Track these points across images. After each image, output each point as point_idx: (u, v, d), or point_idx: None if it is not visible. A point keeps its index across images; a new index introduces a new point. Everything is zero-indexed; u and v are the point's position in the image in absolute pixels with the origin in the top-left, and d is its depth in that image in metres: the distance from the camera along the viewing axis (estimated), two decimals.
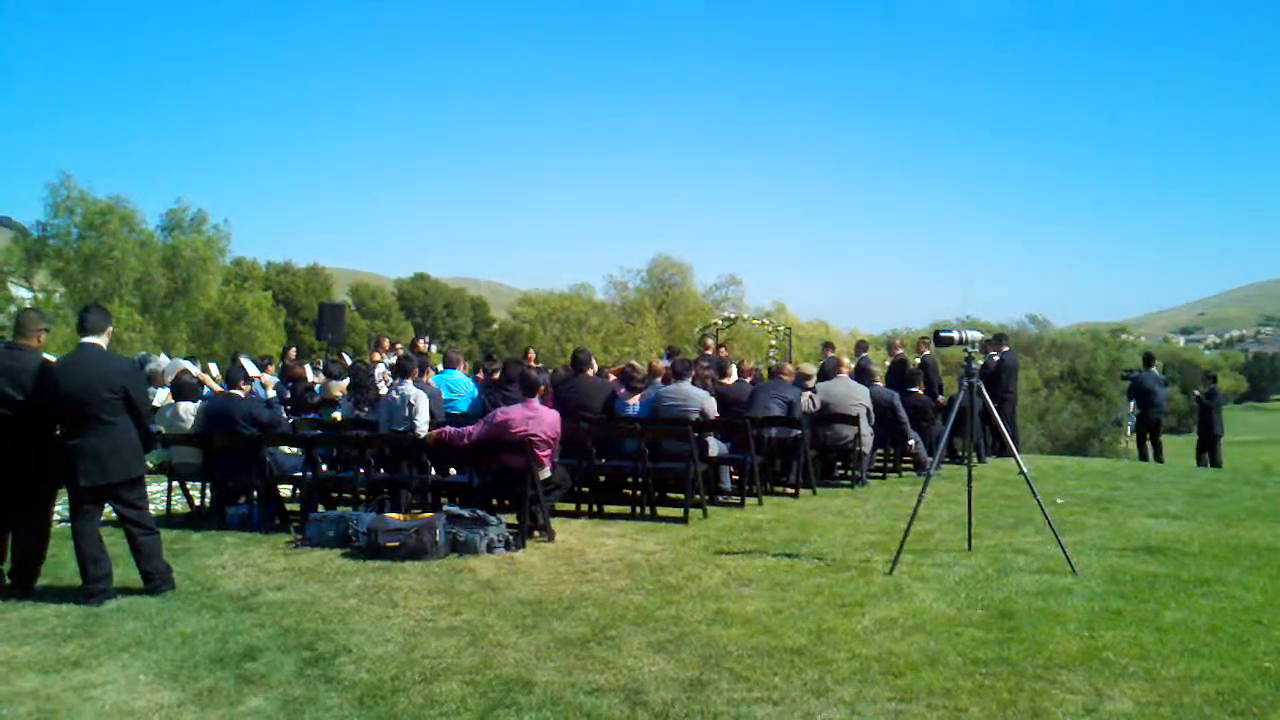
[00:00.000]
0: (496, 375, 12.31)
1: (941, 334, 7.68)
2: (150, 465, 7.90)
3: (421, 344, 17.61)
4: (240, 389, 9.87)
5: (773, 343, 28.83)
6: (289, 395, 13.53)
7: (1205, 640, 5.36)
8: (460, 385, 11.15)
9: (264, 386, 11.87)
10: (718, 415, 10.43)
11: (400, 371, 10.30)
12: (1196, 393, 17.73)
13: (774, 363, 16.12)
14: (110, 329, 6.87)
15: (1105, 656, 5.09)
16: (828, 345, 17.86)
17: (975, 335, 7.55)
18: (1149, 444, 16.83)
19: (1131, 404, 17.99)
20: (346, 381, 12.52)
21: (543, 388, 8.97)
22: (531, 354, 18.98)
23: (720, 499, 10.46)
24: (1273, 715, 4.34)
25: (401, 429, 9.55)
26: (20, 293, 44.55)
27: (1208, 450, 16.82)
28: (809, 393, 11.47)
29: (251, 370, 12.37)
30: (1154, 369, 17.36)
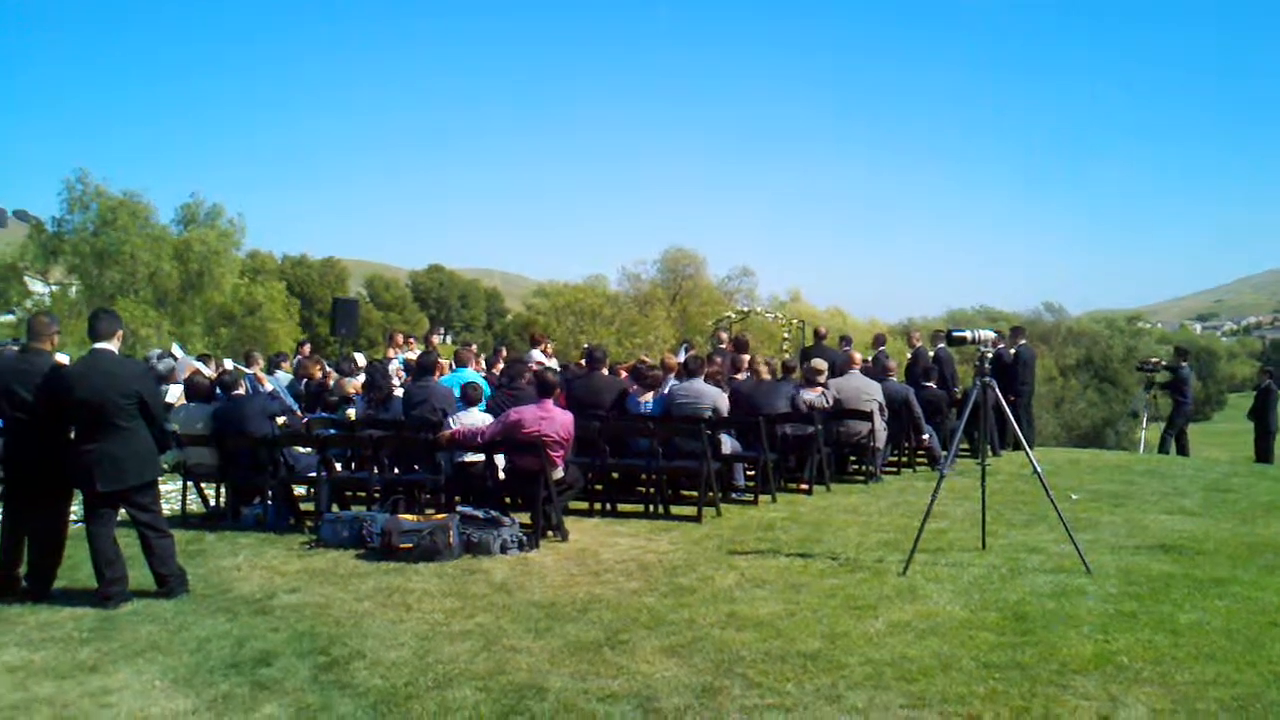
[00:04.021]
0: (498, 370, 12.35)
1: (954, 334, 7.68)
2: (165, 466, 7.93)
3: (435, 339, 17.60)
4: (240, 388, 9.93)
5: (785, 335, 28.72)
6: (303, 392, 13.56)
7: (1220, 643, 5.34)
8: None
9: (259, 382, 11.92)
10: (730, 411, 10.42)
11: (422, 369, 10.64)
12: (1269, 384, 17.34)
13: (788, 358, 16.04)
14: (121, 332, 6.88)
15: (1119, 661, 5.08)
16: (818, 332, 17.12)
17: (988, 335, 7.53)
18: (1176, 438, 16.71)
19: (1151, 394, 17.89)
20: (361, 379, 12.54)
21: (559, 390, 8.98)
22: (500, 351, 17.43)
23: (734, 496, 10.46)
24: None
25: (432, 417, 9.66)
26: (36, 287, 44.76)
27: (1263, 444, 16.67)
28: (821, 389, 11.44)
29: (244, 369, 12.47)
30: (1187, 363, 17.24)
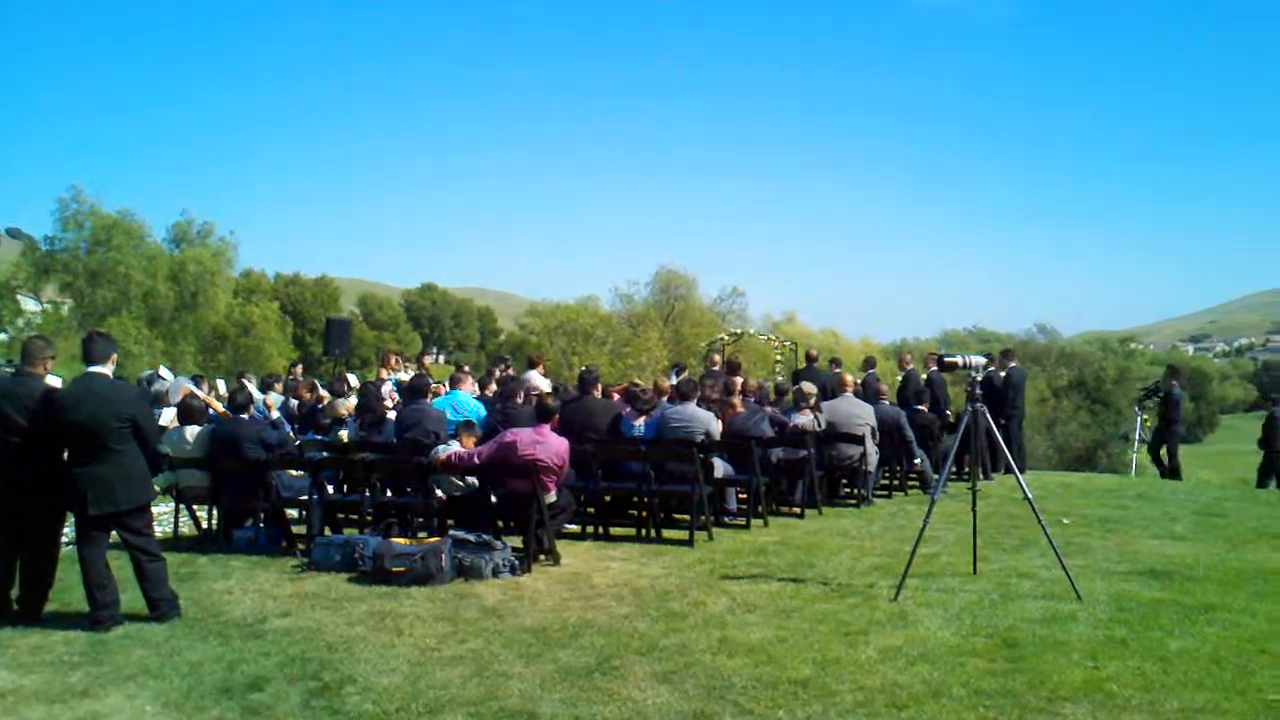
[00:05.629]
0: (490, 391, 12.37)
1: (945, 359, 7.72)
2: (157, 488, 7.94)
3: (428, 359, 17.63)
4: (248, 411, 9.89)
5: (778, 357, 28.79)
6: (296, 413, 13.55)
7: (1209, 671, 5.36)
8: (465, 406, 11.16)
9: (267, 408, 11.89)
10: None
11: (414, 392, 10.65)
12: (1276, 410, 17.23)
13: (780, 381, 16.06)
14: (115, 356, 6.91)
15: (1109, 688, 5.09)
16: (809, 355, 17.17)
17: (978, 360, 7.56)
18: (1169, 460, 16.69)
19: (1143, 417, 17.91)
20: (353, 401, 12.54)
21: (556, 416, 9.00)
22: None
23: (726, 519, 10.46)
24: None
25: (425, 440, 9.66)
26: (29, 305, 44.72)
27: (1273, 470, 16.55)
28: (813, 412, 11.47)
29: (256, 395, 12.40)
30: (1178, 383, 17.20)
